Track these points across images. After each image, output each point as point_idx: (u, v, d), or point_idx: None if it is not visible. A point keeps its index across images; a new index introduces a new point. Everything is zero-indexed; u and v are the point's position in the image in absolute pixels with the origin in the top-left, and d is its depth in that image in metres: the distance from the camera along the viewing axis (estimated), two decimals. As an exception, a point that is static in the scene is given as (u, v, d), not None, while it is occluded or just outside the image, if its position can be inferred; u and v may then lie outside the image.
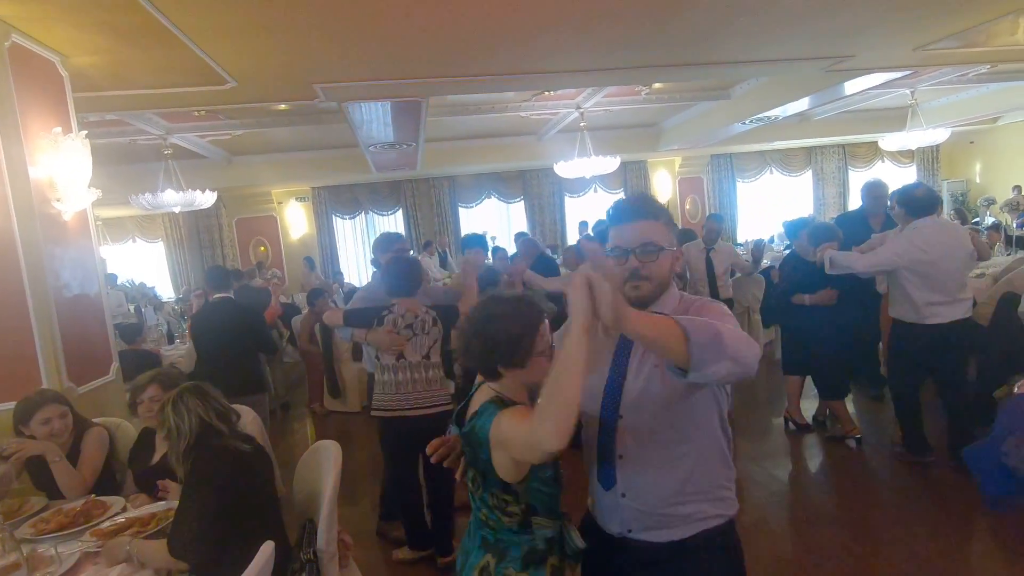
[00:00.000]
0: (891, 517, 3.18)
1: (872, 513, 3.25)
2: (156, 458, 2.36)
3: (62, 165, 2.97)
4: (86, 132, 3.15)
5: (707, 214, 11.84)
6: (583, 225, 9.45)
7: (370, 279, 3.68)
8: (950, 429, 3.57)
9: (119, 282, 7.87)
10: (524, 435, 1.19)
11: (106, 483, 2.45)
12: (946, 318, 3.35)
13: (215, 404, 1.95)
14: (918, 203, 3.40)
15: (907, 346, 3.53)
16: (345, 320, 3.00)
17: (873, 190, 4.50)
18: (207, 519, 1.75)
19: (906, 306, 3.44)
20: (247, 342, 3.97)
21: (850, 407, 4.41)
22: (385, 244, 3.61)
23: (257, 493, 1.91)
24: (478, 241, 4.62)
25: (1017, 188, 9.75)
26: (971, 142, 11.63)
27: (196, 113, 6.02)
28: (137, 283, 8.34)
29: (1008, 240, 7.65)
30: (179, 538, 1.75)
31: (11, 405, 2.49)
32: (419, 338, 2.92)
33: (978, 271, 5.71)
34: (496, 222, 11.31)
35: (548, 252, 6.44)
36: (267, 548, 1.59)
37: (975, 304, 4.11)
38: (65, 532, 2.00)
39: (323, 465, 2.11)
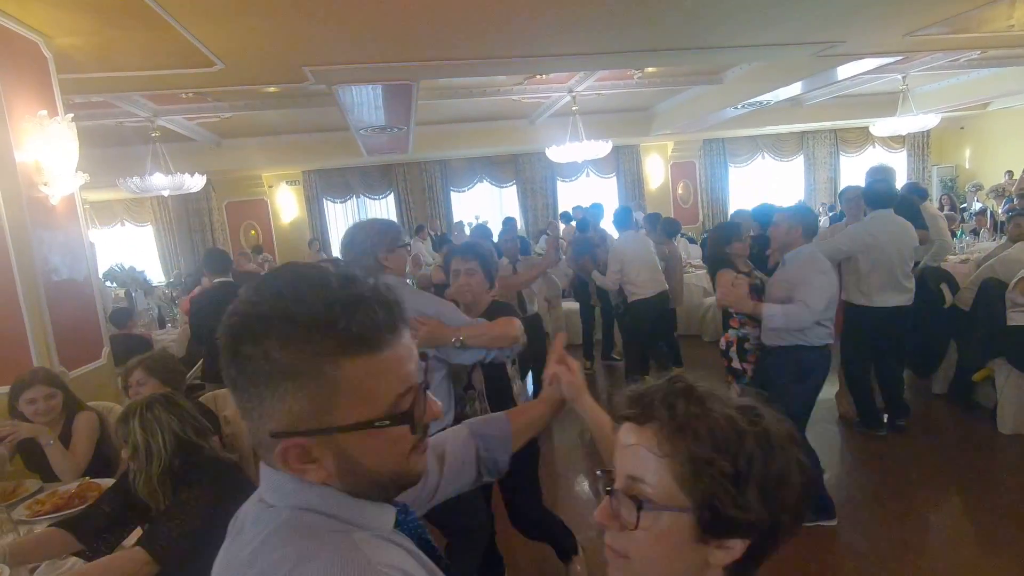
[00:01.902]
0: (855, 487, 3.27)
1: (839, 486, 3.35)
2: None
3: (48, 149, 2.94)
4: (72, 115, 3.12)
5: (699, 199, 11.91)
6: (566, 216, 9.11)
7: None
8: (884, 398, 3.99)
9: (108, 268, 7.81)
10: None
11: (99, 466, 2.48)
12: (891, 303, 3.68)
13: (191, 419, 1.72)
14: (876, 196, 3.75)
15: (857, 326, 3.83)
16: None
17: (851, 199, 4.44)
18: (200, 528, 1.55)
19: (857, 290, 3.75)
20: None
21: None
22: (393, 237, 2.37)
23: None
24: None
25: (1009, 173, 9.82)
26: (961, 128, 11.69)
27: (184, 95, 5.94)
28: (127, 267, 8.28)
29: (995, 225, 7.74)
30: (168, 534, 1.54)
31: (3, 389, 2.51)
32: None
33: (963, 256, 5.80)
34: (488, 206, 11.29)
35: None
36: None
37: (958, 289, 4.21)
38: (60, 514, 2.03)
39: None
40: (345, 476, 0.65)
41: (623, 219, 5.17)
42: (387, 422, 0.63)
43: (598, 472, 0.76)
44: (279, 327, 0.60)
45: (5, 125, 2.75)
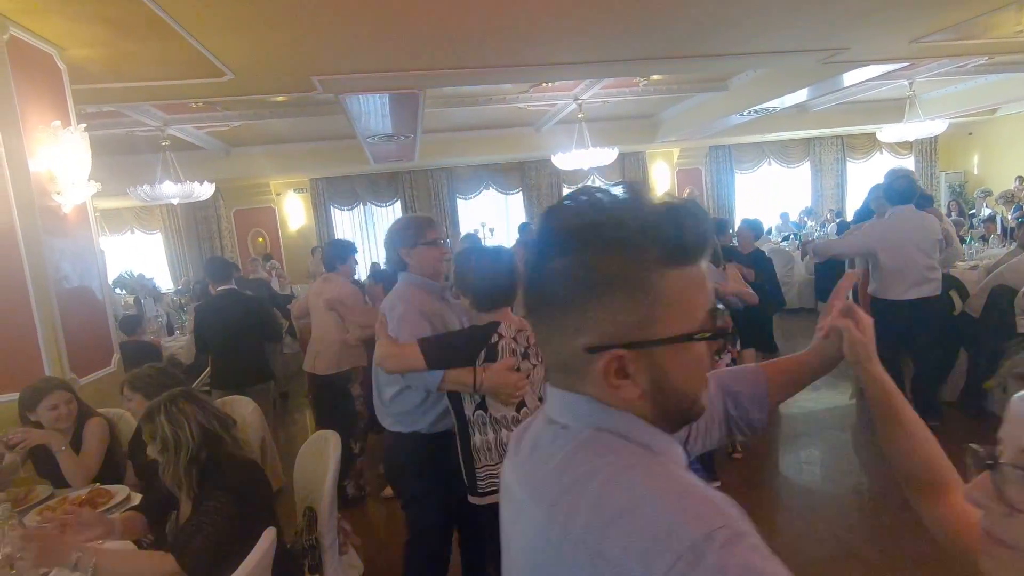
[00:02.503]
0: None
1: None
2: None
3: (61, 158, 2.99)
4: (85, 125, 3.17)
5: (705, 206, 11.86)
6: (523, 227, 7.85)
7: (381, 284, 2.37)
8: (913, 390, 4.01)
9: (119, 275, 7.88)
10: None
11: (109, 472, 2.50)
12: (915, 295, 3.76)
13: (213, 411, 1.79)
14: (896, 192, 3.83)
15: (883, 318, 3.83)
16: (431, 357, 1.86)
17: (878, 196, 4.55)
18: (230, 527, 1.63)
19: (882, 283, 3.84)
20: (255, 332, 4.01)
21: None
22: (415, 232, 2.19)
23: (266, 501, 1.84)
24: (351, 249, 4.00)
25: (1019, 179, 9.73)
26: (969, 133, 11.63)
27: (194, 105, 6.01)
28: (136, 274, 8.36)
29: (1004, 232, 7.68)
30: (196, 546, 1.60)
31: (15, 396, 2.53)
32: (538, 370, 1.94)
33: (972, 263, 5.76)
34: (494, 214, 11.32)
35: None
36: (269, 533, 1.63)
37: (967, 296, 4.18)
38: (71, 519, 2.04)
39: (323, 454, 2.16)
40: (655, 395, 0.64)
41: None
42: (708, 335, 0.63)
43: (972, 446, 0.66)
44: (610, 234, 0.60)
45: (20, 135, 2.80)
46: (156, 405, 1.75)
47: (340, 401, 3.81)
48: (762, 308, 4.89)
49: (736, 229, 5.04)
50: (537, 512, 0.62)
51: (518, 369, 1.88)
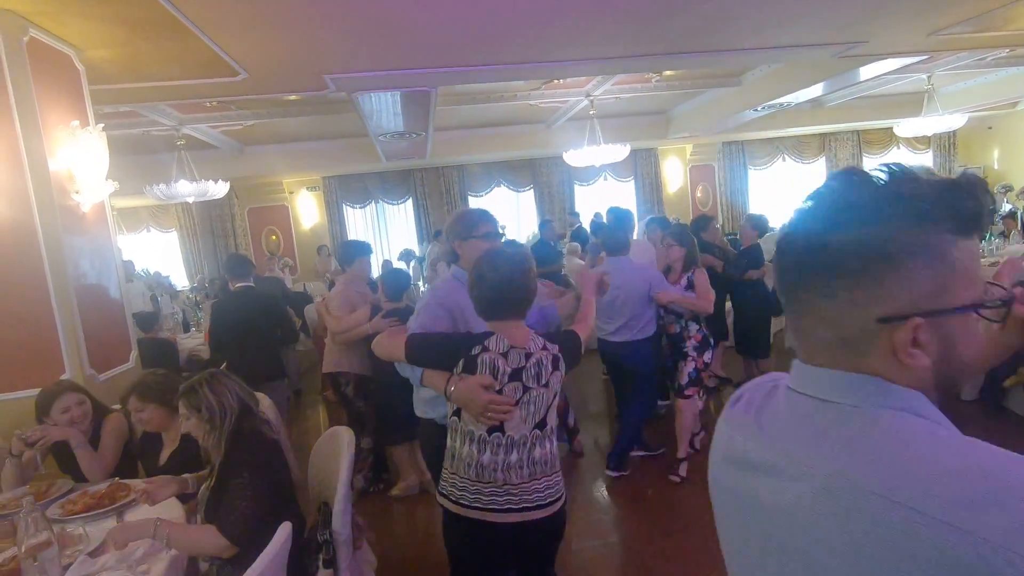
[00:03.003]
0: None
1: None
2: (164, 458, 2.39)
3: (80, 158, 3.03)
4: (103, 125, 3.22)
5: (719, 203, 11.77)
6: (543, 225, 7.89)
7: (445, 277, 2.27)
8: None
9: (136, 271, 7.99)
10: None
11: (128, 467, 2.54)
12: None
13: (244, 386, 1.95)
14: None
15: None
16: (410, 353, 1.84)
17: None
18: (261, 499, 1.77)
19: None
20: (270, 330, 4.05)
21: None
22: (467, 225, 2.16)
23: (287, 478, 2.00)
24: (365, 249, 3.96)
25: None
26: (989, 127, 11.41)
27: (208, 104, 6.07)
28: (152, 272, 8.48)
29: (1025, 227, 7.53)
30: (235, 521, 1.73)
31: (36, 392, 2.58)
32: (534, 394, 1.77)
33: (992, 260, 5.66)
34: (506, 211, 11.32)
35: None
36: (285, 528, 1.65)
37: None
38: (92, 513, 2.08)
39: (337, 450, 2.17)
40: (940, 365, 0.63)
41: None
42: (999, 303, 0.64)
43: None
44: (909, 206, 0.61)
45: (39, 135, 2.84)
46: (196, 380, 1.89)
47: (343, 400, 3.89)
48: (756, 309, 4.78)
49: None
50: (860, 494, 0.58)
51: (500, 391, 1.71)
